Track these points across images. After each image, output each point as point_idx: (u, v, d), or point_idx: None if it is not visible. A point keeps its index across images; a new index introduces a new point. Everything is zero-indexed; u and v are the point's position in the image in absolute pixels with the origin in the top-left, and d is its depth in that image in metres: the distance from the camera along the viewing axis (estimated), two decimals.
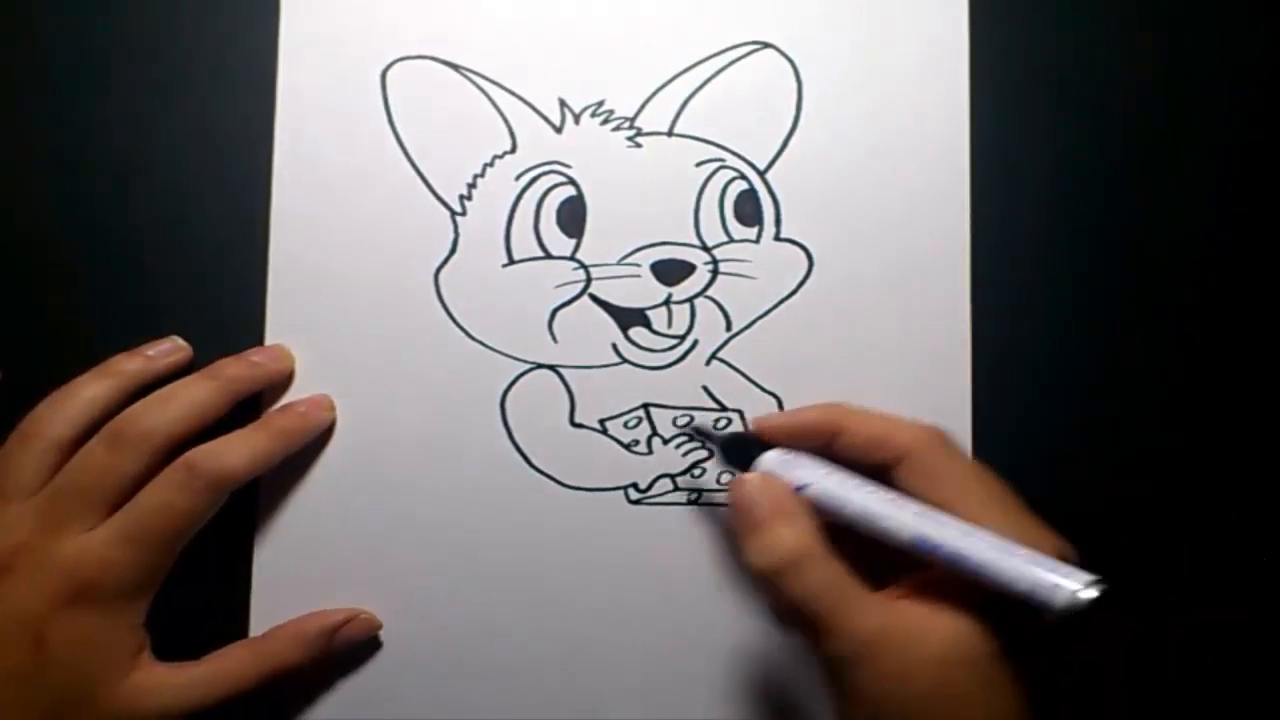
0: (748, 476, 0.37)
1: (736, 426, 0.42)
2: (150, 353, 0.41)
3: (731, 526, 0.37)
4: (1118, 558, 0.42)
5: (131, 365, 0.41)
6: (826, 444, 0.38)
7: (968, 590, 0.34)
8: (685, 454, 0.42)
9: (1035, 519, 0.36)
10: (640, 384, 0.42)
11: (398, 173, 0.42)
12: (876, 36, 0.43)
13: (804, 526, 0.35)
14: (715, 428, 0.42)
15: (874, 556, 0.35)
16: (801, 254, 0.42)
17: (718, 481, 0.42)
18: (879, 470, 0.37)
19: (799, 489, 0.36)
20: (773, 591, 0.35)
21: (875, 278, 0.42)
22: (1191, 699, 0.42)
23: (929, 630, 0.33)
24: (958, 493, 0.35)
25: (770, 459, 0.38)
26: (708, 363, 0.42)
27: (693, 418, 0.42)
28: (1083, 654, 0.40)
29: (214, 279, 0.42)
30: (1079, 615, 0.30)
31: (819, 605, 0.34)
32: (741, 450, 0.39)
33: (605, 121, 0.43)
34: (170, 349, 0.41)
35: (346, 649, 0.41)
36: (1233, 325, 0.43)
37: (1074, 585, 0.31)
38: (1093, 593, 0.30)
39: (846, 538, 0.36)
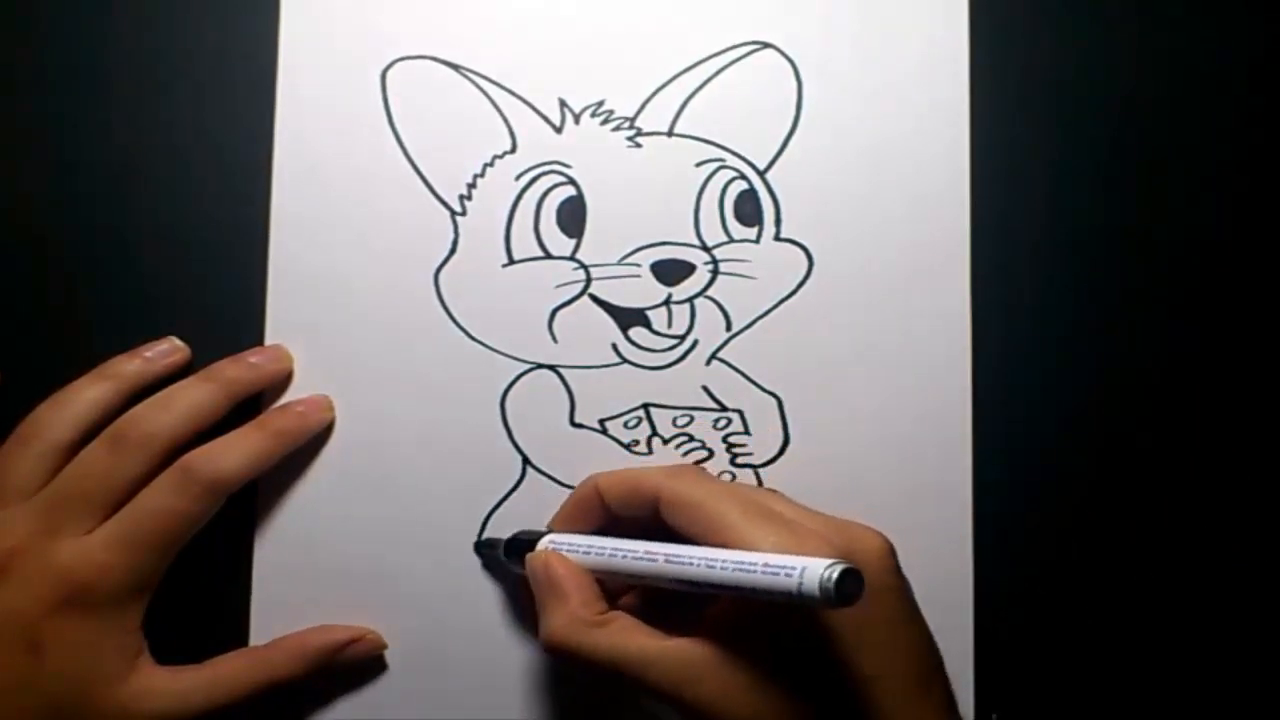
0: (530, 555, 0.38)
1: (736, 426, 0.42)
2: (148, 354, 0.41)
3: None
4: (1118, 558, 0.43)
5: (130, 367, 0.40)
6: (602, 515, 0.39)
7: (747, 613, 0.34)
8: (685, 454, 0.42)
9: (812, 514, 0.36)
10: (640, 384, 0.42)
11: (398, 173, 0.42)
12: (876, 36, 0.43)
13: (575, 599, 0.36)
14: (715, 428, 0.42)
15: (673, 611, 0.36)
16: (801, 254, 0.42)
17: None
18: (651, 524, 0.37)
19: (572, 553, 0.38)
20: (566, 665, 0.36)
21: (875, 278, 0.42)
22: (1193, 700, 0.42)
23: (728, 664, 0.33)
24: (717, 514, 0.35)
25: (544, 542, 0.39)
26: (708, 363, 0.42)
27: (483, 539, 0.42)
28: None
29: (214, 279, 0.42)
30: (833, 600, 0.30)
31: (605, 670, 0.35)
32: (524, 548, 0.39)
33: (605, 121, 0.43)
34: (168, 350, 0.41)
35: (351, 667, 0.41)
36: (1233, 325, 0.43)
37: (817, 572, 0.31)
38: (835, 573, 0.30)
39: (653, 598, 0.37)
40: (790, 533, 0.34)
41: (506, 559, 0.40)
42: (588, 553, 0.37)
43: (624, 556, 0.36)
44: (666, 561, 0.34)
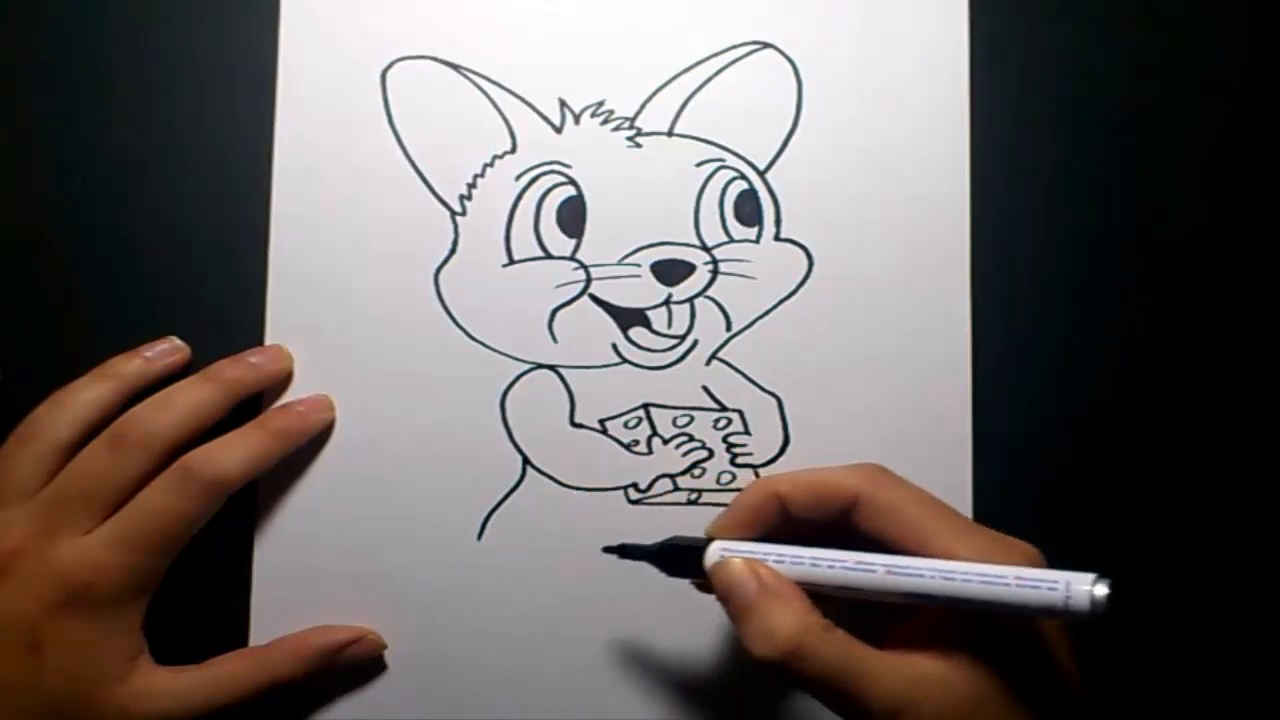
0: (731, 560, 0.35)
1: (736, 426, 0.42)
2: (148, 354, 0.41)
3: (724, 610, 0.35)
4: (1119, 558, 0.42)
5: (130, 367, 0.41)
6: (774, 524, 0.37)
7: (967, 626, 0.33)
8: (685, 454, 0.42)
9: (990, 531, 0.35)
10: (640, 384, 0.42)
11: (398, 173, 0.42)
12: (876, 36, 0.43)
13: (798, 605, 0.34)
14: (715, 428, 0.42)
15: (860, 621, 0.34)
16: (801, 254, 0.42)
17: (718, 482, 0.42)
18: (833, 525, 0.36)
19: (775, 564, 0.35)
20: (782, 676, 0.33)
21: (875, 278, 0.42)
22: (1198, 698, 0.42)
23: (950, 679, 0.33)
24: (921, 522, 0.34)
25: (715, 549, 0.36)
26: (708, 363, 0.42)
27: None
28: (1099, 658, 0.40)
29: (214, 279, 0.42)
30: (1101, 613, 0.30)
31: (835, 682, 0.33)
32: (678, 557, 0.38)
33: (605, 121, 0.43)
34: (168, 349, 0.41)
35: (350, 667, 0.41)
36: (1234, 325, 0.43)
37: (1085, 587, 0.30)
38: (1104, 589, 0.30)
39: (830, 607, 0.34)
40: (991, 542, 0.34)
41: (660, 565, 0.38)
42: (779, 561, 0.35)
43: (830, 567, 0.34)
44: (889, 573, 0.33)
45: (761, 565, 0.35)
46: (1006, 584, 0.31)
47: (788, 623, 0.33)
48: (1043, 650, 0.34)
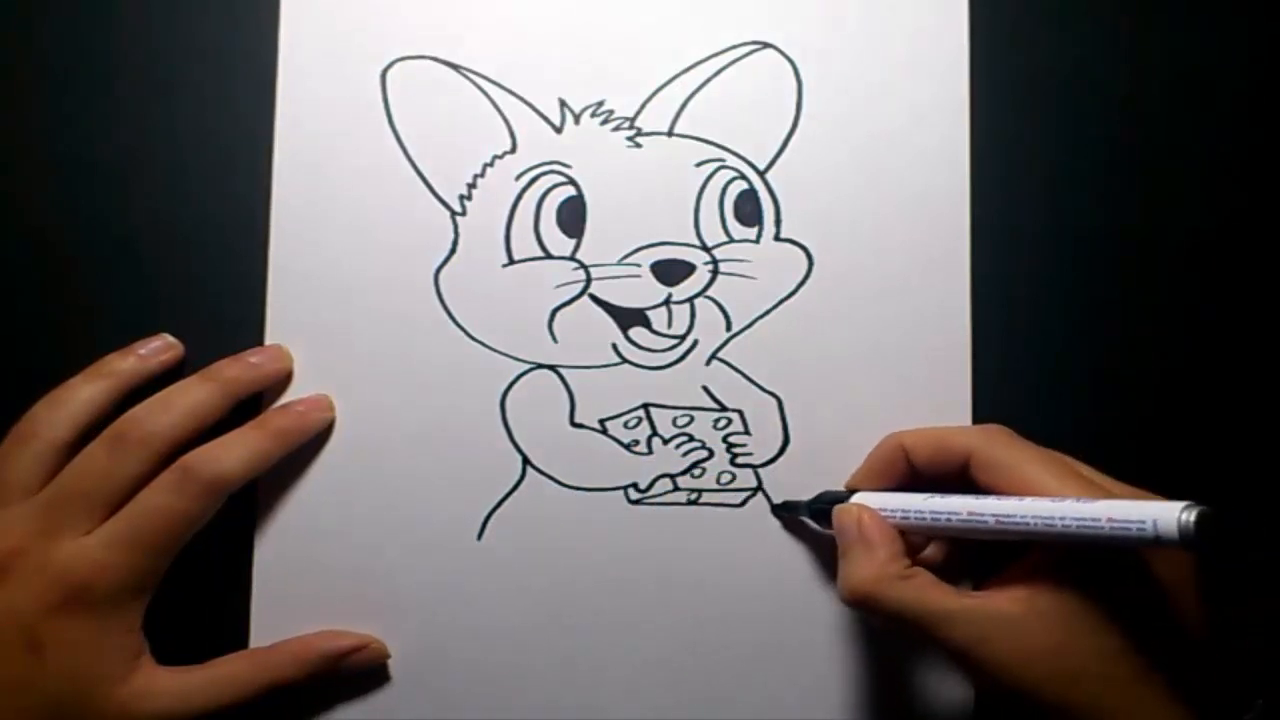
0: (845, 505, 0.39)
1: (736, 426, 0.42)
2: (142, 351, 0.41)
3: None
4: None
5: (125, 364, 0.41)
6: (903, 474, 0.40)
7: (1066, 569, 0.34)
8: (685, 454, 0.42)
9: (1125, 486, 0.37)
10: (640, 384, 0.42)
11: (398, 173, 0.42)
12: (876, 36, 0.43)
13: (883, 553, 0.36)
14: (715, 428, 0.42)
15: (981, 563, 0.37)
16: (801, 254, 0.42)
17: (717, 481, 0.42)
18: (955, 479, 0.38)
19: (887, 515, 0.38)
20: (866, 614, 0.37)
21: (875, 278, 0.42)
22: None
23: (1025, 618, 0.34)
24: (1033, 473, 0.36)
25: (858, 498, 0.39)
26: (708, 363, 0.42)
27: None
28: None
29: (214, 279, 0.42)
30: (1192, 541, 0.30)
31: (907, 624, 0.35)
32: (825, 509, 0.40)
33: (605, 121, 0.43)
34: (162, 347, 0.41)
35: (353, 674, 0.41)
36: (1234, 324, 0.43)
37: (1174, 513, 0.31)
38: (1192, 515, 0.30)
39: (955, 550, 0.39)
40: (1106, 495, 0.34)
41: (812, 519, 0.41)
42: (906, 516, 0.37)
43: (948, 519, 0.36)
44: (998, 522, 0.35)
45: (868, 512, 0.38)
46: (1100, 525, 0.32)
47: (867, 569, 0.36)
48: (1151, 590, 0.35)
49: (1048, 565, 0.35)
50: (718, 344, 0.42)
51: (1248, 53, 0.44)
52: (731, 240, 0.42)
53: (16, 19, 0.43)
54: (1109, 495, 0.35)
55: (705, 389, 0.42)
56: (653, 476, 0.42)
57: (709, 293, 0.42)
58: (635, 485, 0.42)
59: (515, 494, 0.42)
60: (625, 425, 0.42)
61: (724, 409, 0.42)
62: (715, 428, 0.42)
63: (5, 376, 0.42)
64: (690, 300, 0.42)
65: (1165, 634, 0.34)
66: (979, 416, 0.42)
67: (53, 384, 0.40)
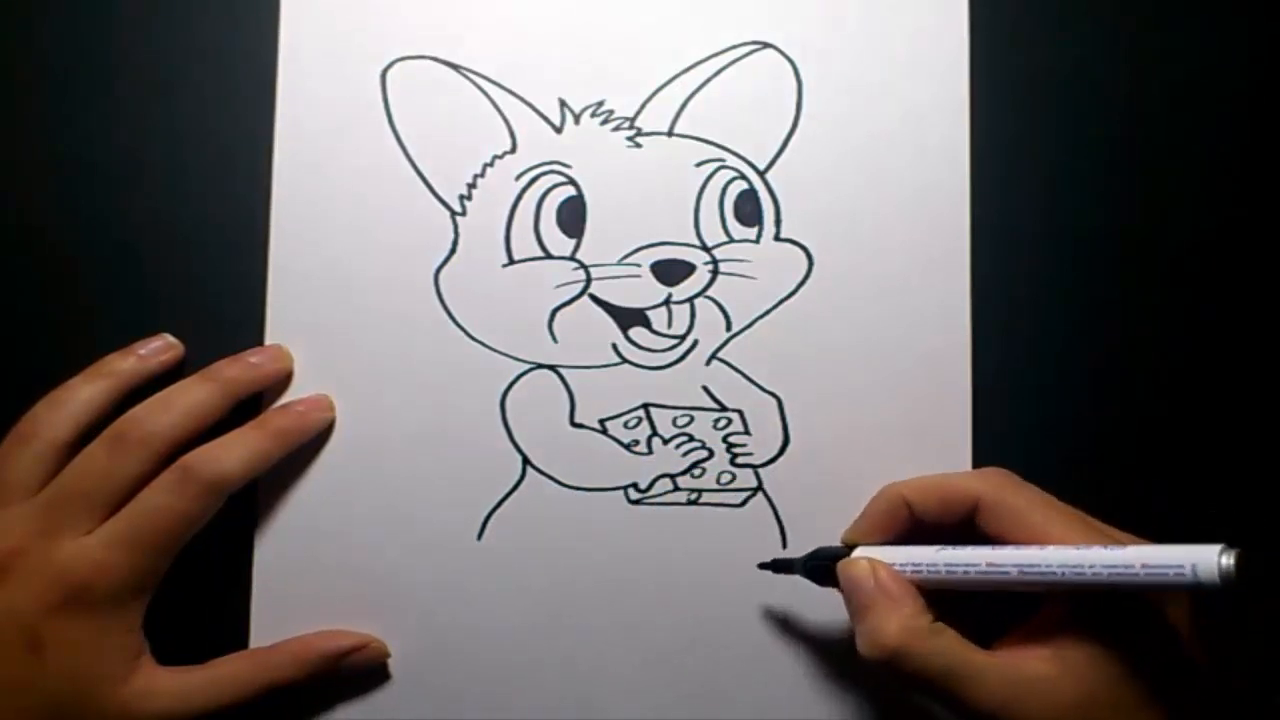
0: (855, 559, 0.37)
1: (736, 426, 0.42)
2: (142, 351, 0.41)
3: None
4: None
5: (124, 364, 0.41)
6: (904, 527, 0.38)
7: (1083, 621, 0.34)
8: (685, 454, 0.42)
9: (1124, 534, 0.36)
10: (640, 384, 0.42)
11: (398, 173, 0.42)
12: (876, 36, 0.43)
13: (908, 608, 0.35)
14: (715, 428, 0.42)
15: (987, 613, 0.36)
16: (801, 254, 0.42)
17: (718, 482, 0.42)
18: (959, 529, 0.37)
19: (901, 570, 0.36)
20: (890, 674, 0.35)
21: (875, 278, 0.42)
22: None
23: (1056, 677, 0.33)
24: (1043, 521, 0.35)
25: (858, 554, 0.38)
26: (708, 363, 0.42)
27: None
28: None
29: (214, 279, 0.42)
30: (1231, 584, 0.30)
31: (938, 683, 0.34)
32: (824, 566, 0.38)
33: (605, 121, 0.43)
34: (162, 347, 0.41)
35: (353, 674, 0.41)
36: (1235, 324, 0.43)
37: (1212, 556, 0.30)
38: (1230, 559, 0.30)
39: (957, 599, 0.36)
40: (1116, 542, 0.34)
41: (808, 576, 0.39)
42: (919, 569, 0.36)
43: (965, 571, 0.35)
44: (1021, 572, 0.33)
45: (882, 566, 0.36)
46: (1134, 572, 0.31)
47: (894, 625, 0.35)
48: (1166, 636, 0.34)
49: (1068, 618, 0.34)
50: (718, 344, 0.42)
51: (1248, 53, 0.44)
52: (731, 240, 0.42)
53: (16, 19, 0.43)
54: (1118, 542, 0.34)
55: (705, 389, 0.42)
56: (653, 476, 0.42)
57: (709, 293, 0.42)
58: (635, 485, 0.42)
59: (515, 494, 0.42)
60: (625, 425, 0.42)
61: (724, 409, 0.42)
62: (715, 428, 0.42)
63: (5, 376, 0.42)
64: (690, 300, 0.42)
65: (1179, 675, 0.34)
66: (979, 417, 0.42)
67: (53, 384, 0.40)
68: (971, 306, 0.42)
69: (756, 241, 0.42)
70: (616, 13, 0.43)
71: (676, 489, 0.42)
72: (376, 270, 0.42)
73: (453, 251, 0.42)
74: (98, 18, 0.43)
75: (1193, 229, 0.43)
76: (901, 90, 0.43)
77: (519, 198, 0.42)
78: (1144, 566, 0.31)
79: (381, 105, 0.42)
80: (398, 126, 0.42)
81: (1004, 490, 0.37)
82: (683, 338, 0.42)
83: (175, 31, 0.43)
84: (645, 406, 0.42)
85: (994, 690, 0.33)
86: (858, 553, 0.38)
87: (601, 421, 0.42)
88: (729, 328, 0.42)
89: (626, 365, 0.42)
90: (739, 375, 0.42)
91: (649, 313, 0.42)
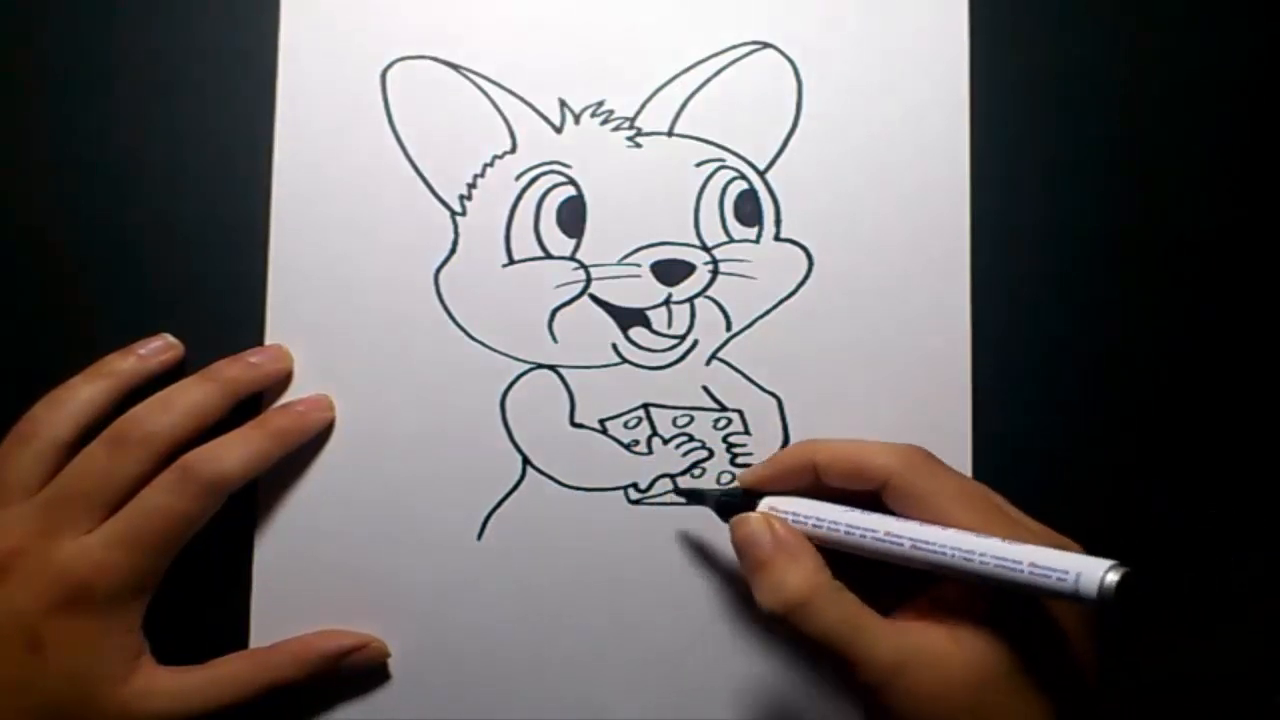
0: (749, 515, 0.37)
1: (736, 426, 0.42)
2: (142, 351, 0.41)
3: (739, 564, 0.37)
4: (1119, 557, 0.42)
5: (125, 365, 0.41)
6: (809, 483, 0.38)
7: (979, 604, 0.34)
8: (685, 454, 0.42)
9: (1037, 524, 0.36)
10: (640, 384, 0.42)
11: (398, 173, 0.42)
12: (876, 36, 0.43)
13: (809, 563, 0.35)
14: (715, 428, 0.42)
15: (879, 582, 0.35)
16: (801, 254, 0.42)
17: (718, 482, 0.42)
18: (865, 500, 0.36)
19: (798, 523, 0.36)
20: (787, 630, 0.35)
21: (875, 278, 0.42)
22: (1198, 705, 0.42)
23: (950, 652, 0.33)
24: (951, 507, 0.35)
25: (763, 505, 0.38)
26: (708, 363, 0.42)
27: (674, 481, 0.42)
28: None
29: (214, 279, 0.42)
30: (1109, 601, 0.30)
31: (835, 641, 0.34)
32: (733, 508, 0.38)
33: (605, 121, 0.43)
34: (162, 347, 0.41)
35: (353, 673, 0.41)
36: (1234, 324, 0.43)
37: (1099, 571, 0.30)
38: (1115, 577, 0.30)
39: (850, 565, 0.35)
40: (1024, 535, 0.34)
41: (718, 512, 0.39)
42: (818, 525, 0.36)
43: (862, 535, 0.35)
44: (914, 547, 0.34)
45: (778, 521, 0.36)
46: (1020, 570, 0.31)
47: (798, 579, 0.34)
48: (1055, 632, 0.34)
49: (964, 600, 0.34)
50: (718, 344, 0.42)
51: (1248, 53, 0.44)
52: (731, 240, 0.42)
53: (16, 19, 0.43)
54: (1027, 535, 0.34)
55: (705, 389, 0.42)
56: (653, 476, 0.42)
57: (709, 293, 0.42)
58: (635, 485, 0.42)
59: (515, 494, 0.42)
60: (625, 425, 0.42)
61: (724, 409, 0.42)
62: (715, 428, 0.42)
63: (5, 376, 0.42)
64: (690, 300, 0.42)
65: (1069, 679, 0.34)
66: (979, 416, 0.42)
67: (53, 384, 0.40)
68: (971, 306, 0.42)
69: (756, 241, 0.42)
70: (616, 13, 0.43)
71: (676, 489, 0.42)
72: (376, 270, 0.42)
73: (453, 251, 0.42)
74: (98, 18, 0.43)
75: (1193, 229, 0.43)
76: (901, 90, 0.43)
77: (519, 198, 0.42)
78: (1031, 566, 0.31)
79: (381, 105, 0.42)
80: (398, 126, 0.42)
81: (916, 472, 0.36)
82: (683, 338, 0.42)
83: (175, 31, 0.43)
84: (645, 406, 0.42)
85: (887, 655, 0.33)
86: (765, 503, 0.37)
87: (601, 421, 0.42)
88: (729, 328, 0.42)
89: (626, 365, 0.42)
90: (739, 375, 0.42)
91: (649, 313, 0.42)
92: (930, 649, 0.33)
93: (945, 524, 0.34)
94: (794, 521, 0.36)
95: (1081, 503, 0.43)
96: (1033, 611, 0.34)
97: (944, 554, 0.33)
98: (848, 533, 0.35)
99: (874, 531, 0.35)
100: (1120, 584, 0.30)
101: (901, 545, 0.34)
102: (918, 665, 0.33)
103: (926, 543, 0.33)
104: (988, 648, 0.33)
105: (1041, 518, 0.42)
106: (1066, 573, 0.31)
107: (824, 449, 0.38)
